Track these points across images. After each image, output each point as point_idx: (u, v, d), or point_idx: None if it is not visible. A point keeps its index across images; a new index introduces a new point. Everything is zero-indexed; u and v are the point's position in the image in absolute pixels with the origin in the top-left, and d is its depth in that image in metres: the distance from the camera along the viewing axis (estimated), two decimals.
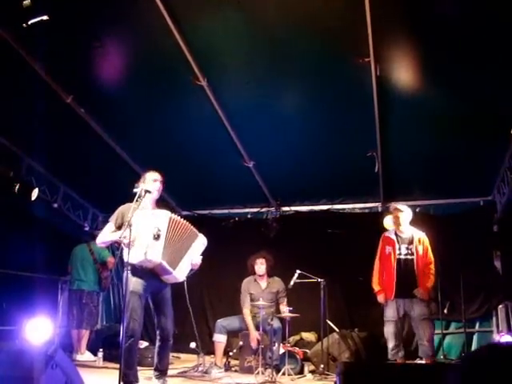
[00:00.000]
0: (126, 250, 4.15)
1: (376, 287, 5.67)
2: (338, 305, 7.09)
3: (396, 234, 5.69)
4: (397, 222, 5.69)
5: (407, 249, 5.58)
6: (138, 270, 4.30)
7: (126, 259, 4.15)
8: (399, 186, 6.96)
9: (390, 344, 5.48)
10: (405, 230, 5.67)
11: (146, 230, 4.25)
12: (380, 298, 5.62)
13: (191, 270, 4.66)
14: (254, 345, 6.08)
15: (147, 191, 4.34)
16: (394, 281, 5.48)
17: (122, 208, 4.50)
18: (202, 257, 4.69)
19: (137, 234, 4.21)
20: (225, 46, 4.96)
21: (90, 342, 7.02)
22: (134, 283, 4.29)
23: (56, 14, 4.39)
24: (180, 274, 4.51)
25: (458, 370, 1.78)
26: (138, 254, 4.20)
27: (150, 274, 4.39)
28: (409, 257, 5.55)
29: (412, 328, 5.66)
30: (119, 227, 4.37)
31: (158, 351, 4.57)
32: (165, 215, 4.42)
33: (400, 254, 5.57)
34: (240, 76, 5.33)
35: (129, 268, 4.14)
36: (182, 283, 4.69)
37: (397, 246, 5.59)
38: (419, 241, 5.60)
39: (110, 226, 4.49)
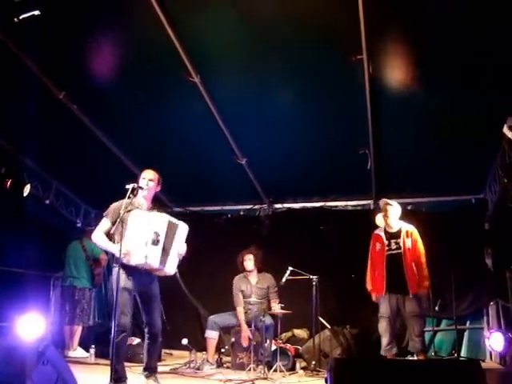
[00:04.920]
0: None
1: (368, 286, 5.79)
2: (329, 301, 7.10)
3: (385, 231, 5.73)
4: (385, 215, 5.73)
5: (396, 243, 5.63)
6: (128, 268, 4.33)
7: (118, 255, 4.20)
8: (391, 183, 6.97)
9: (384, 340, 5.51)
10: (393, 225, 5.71)
11: (145, 234, 4.27)
12: (373, 297, 5.74)
13: (179, 260, 4.63)
14: (244, 343, 6.11)
15: (139, 187, 4.38)
16: (385, 277, 5.54)
17: (116, 205, 4.48)
18: (186, 244, 4.63)
19: (135, 236, 4.26)
20: (218, 42, 4.95)
21: (82, 339, 7.00)
22: (125, 280, 4.33)
23: (48, 9, 4.37)
24: (170, 268, 4.53)
25: None
26: (137, 258, 4.25)
27: (138, 271, 4.40)
28: (397, 251, 5.59)
29: (404, 324, 5.70)
30: (114, 223, 4.37)
31: (147, 349, 4.57)
32: (164, 220, 4.43)
33: (389, 250, 5.62)
34: (233, 73, 5.32)
35: (116, 265, 4.22)
36: (175, 278, 4.69)
37: (386, 243, 5.65)
38: (407, 234, 5.62)
39: (106, 222, 4.48)
